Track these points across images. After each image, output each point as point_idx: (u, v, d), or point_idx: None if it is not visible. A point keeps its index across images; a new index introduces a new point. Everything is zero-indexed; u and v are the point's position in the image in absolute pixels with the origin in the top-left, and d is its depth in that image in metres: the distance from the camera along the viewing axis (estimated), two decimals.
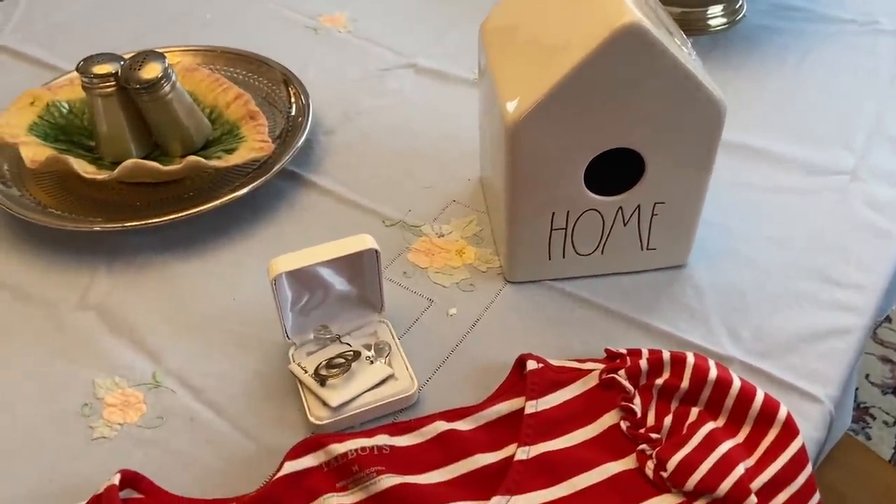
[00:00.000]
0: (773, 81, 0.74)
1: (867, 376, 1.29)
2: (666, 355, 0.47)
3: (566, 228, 0.54)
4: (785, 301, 0.55)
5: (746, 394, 0.45)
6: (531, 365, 0.48)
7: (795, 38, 0.79)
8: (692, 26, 0.80)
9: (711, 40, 0.79)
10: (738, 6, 0.81)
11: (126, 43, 0.77)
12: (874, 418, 1.24)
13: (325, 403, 0.47)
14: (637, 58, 0.46)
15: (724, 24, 0.80)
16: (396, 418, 0.48)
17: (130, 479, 0.44)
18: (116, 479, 0.43)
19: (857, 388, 1.27)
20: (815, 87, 0.73)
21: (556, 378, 0.48)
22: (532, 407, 0.46)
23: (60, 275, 0.59)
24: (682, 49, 0.49)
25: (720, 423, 0.45)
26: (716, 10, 0.81)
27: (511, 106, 0.48)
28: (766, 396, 0.45)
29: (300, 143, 0.65)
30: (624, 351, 0.48)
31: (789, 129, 0.69)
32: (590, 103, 0.48)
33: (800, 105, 0.71)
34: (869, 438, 1.22)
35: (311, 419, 0.47)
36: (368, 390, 0.48)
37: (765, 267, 0.57)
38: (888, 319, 1.36)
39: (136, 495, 0.44)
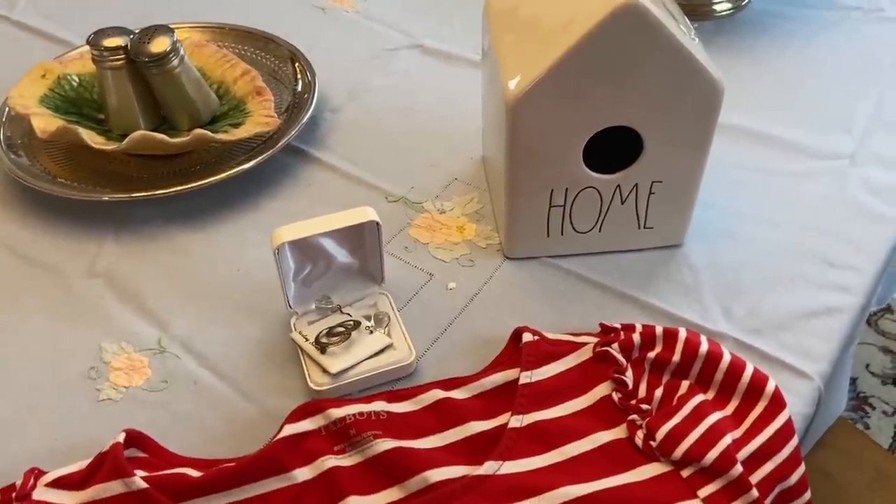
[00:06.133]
0: (777, 66, 0.74)
1: (867, 366, 1.30)
2: (659, 330, 0.48)
3: (565, 206, 0.54)
4: (779, 281, 0.55)
5: (736, 368, 0.46)
6: (527, 337, 0.49)
7: (800, 24, 0.79)
8: (698, 11, 0.80)
9: (716, 25, 0.80)
10: None
11: (136, 19, 0.78)
12: (874, 408, 1.25)
13: (324, 370, 0.49)
14: (636, 37, 0.47)
15: (730, 10, 0.81)
16: (394, 386, 0.50)
17: (135, 438, 0.45)
18: (121, 438, 0.44)
19: (856, 378, 1.28)
20: (819, 72, 0.74)
21: (551, 350, 0.49)
22: (527, 378, 0.47)
23: (69, 243, 0.60)
24: (682, 31, 0.50)
25: (710, 395, 0.46)
26: None
27: (512, 83, 0.49)
28: (755, 371, 0.46)
29: (305, 119, 0.66)
30: (618, 325, 0.49)
31: (791, 113, 0.69)
32: (589, 81, 0.48)
33: (802, 90, 0.72)
34: (868, 428, 1.23)
35: (311, 385, 0.48)
36: (367, 359, 0.49)
37: (761, 247, 0.58)
38: (889, 310, 1.37)
39: (140, 454, 0.45)
